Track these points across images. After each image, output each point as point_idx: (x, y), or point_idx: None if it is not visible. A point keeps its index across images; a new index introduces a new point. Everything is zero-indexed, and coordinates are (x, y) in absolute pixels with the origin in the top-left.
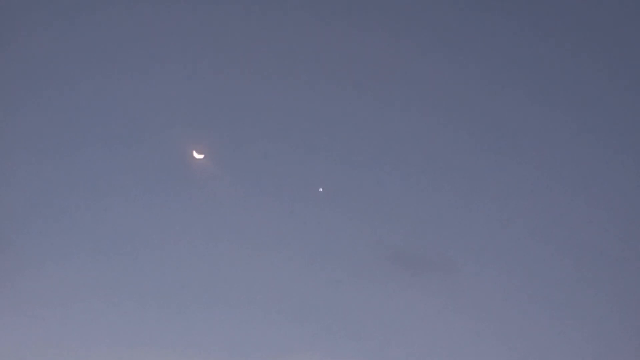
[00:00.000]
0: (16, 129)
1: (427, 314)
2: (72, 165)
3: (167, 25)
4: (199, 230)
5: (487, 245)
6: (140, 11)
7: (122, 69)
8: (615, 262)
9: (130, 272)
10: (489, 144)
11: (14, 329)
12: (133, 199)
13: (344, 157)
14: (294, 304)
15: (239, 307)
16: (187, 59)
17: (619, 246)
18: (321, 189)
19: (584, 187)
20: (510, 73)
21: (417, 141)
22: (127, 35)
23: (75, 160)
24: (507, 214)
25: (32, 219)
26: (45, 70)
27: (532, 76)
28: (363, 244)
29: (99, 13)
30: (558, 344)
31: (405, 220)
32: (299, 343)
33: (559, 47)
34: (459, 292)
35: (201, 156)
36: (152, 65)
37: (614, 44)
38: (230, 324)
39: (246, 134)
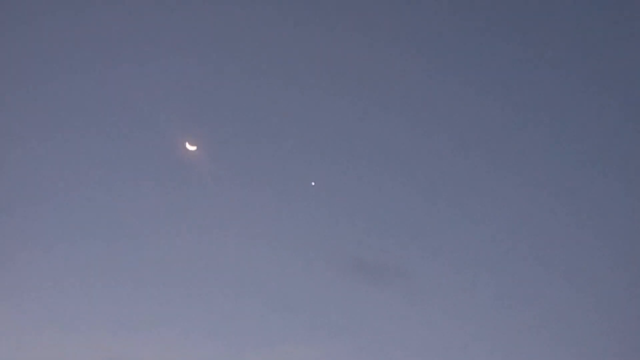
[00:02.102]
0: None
1: (386, 317)
2: (69, 156)
3: (161, 18)
4: (190, 219)
5: (444, 253)
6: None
7: (116, 60)
8: (574, 265)
9: (125, 262)
10: (452, 154)
11: (14, 313)
12: (127, 190)
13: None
14: (277, 298)
15: (226, 296)
16: (180, 50)
17: (577, 249)
18: (313, 183)
19: (546, 193)
20: (489, 81)
21: (385, 151)
22: (121, 27)
23: (71, 150)
24: (466, 223)
25: (30, 207)
26: (42, 62)
27: (516, 85)
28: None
29: (97, 6)
30: (516, 348)
31: (365, 229)
32: (283, 334)
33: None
34: (416, 298)
35: (194, 147)
36: (146, 57)
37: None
38: (219, 313)
39: (238, 126)
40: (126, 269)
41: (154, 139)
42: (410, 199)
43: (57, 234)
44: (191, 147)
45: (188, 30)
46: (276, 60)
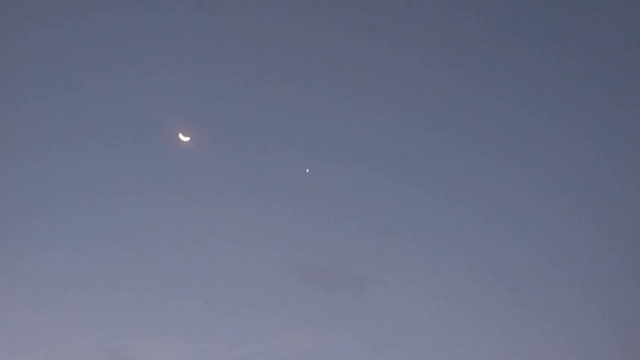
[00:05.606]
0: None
1: (337, 321)
2: (62, 158)
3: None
4: (182, 212)
5: (395, 263)
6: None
7: (112, 58)
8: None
9: (121, 261)
10: (399, 162)
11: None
12: (120, 183)
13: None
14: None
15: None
16: (174, 46)
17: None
18: (307, 170)
19: (493, 202)
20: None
21: (334, 156)
22: (118, 28)
23: (66, 151)
24: (415, 232)
25: (29, 212)
26: (40, 68)
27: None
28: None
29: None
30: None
31: (314, 235)
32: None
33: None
34: (366, 308)
35: (187, 139)
36: (140, 53)
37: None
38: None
39: (232, 118)
40: (117, 270)
41: (148, 131)
42: (366, 206)
43: (56, 238)
44: (184, 138)
45: (185, 27)
46: (269, 58)
